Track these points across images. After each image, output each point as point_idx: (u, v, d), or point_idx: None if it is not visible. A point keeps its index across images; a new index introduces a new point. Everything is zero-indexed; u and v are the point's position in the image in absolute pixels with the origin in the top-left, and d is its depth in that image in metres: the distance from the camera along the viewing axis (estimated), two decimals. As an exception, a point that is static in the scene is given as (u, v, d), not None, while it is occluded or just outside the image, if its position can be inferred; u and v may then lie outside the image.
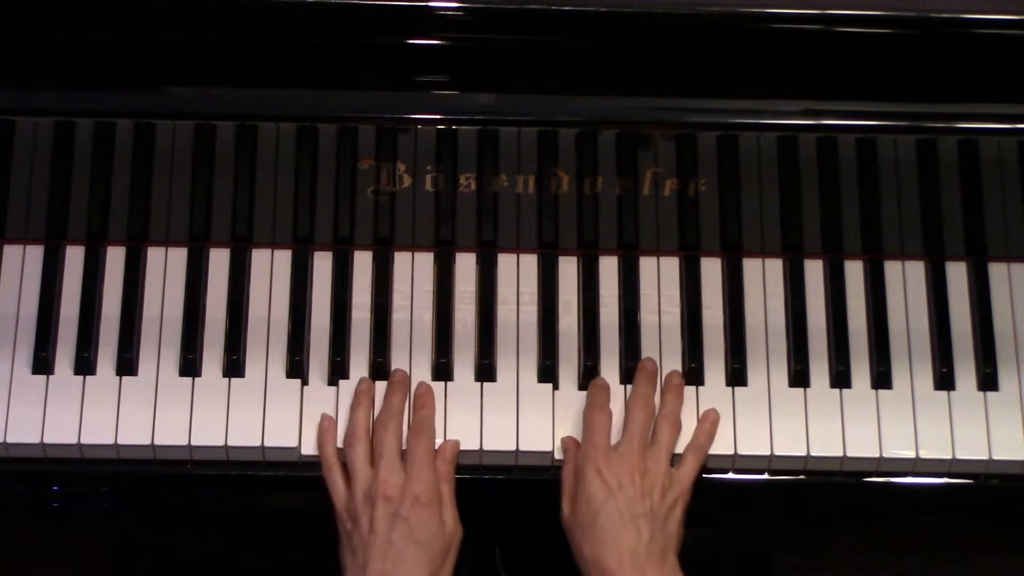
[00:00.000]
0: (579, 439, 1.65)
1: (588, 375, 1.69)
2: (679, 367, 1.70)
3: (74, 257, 1.72)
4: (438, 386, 1.68)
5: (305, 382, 1.68)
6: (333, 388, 1.68)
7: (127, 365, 1.68)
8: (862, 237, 1.72)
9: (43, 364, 1.68)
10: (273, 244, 1.73)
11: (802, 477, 1.68)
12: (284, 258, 1.73)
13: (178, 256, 1.72)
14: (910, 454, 1.67)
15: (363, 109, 1.60)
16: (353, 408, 1.66)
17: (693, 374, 1.69)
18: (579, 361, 1.70)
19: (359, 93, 1.59)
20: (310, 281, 1.72)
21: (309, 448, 1.66)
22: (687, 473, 1.63)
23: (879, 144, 1.66)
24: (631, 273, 1.73)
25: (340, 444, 1.65)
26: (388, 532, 1.57)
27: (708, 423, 1.66)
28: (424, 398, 1.66)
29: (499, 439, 1.67)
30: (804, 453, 1.67)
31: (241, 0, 1.56)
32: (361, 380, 1.67)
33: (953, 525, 1.74)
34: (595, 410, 1.65)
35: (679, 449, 1.66)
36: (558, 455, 1.66)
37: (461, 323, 1.71)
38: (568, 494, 1.62)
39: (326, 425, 1.65)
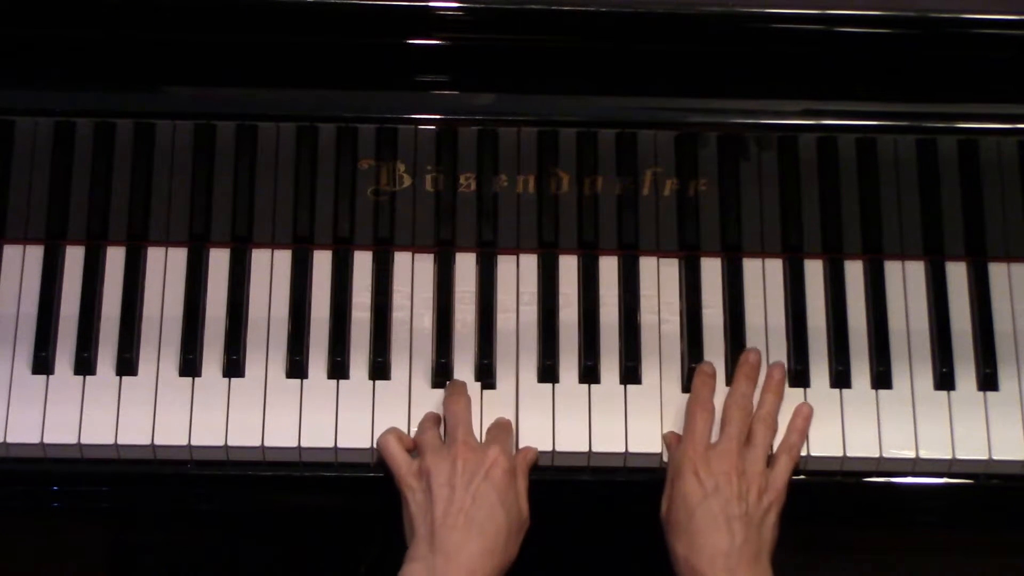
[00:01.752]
0: (678, 440, 1.64)
1: (588, 375, 1.69)
2: (678, 368, 1.70)
3: (74, 257, 1.72)
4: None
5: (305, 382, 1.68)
6: (334, 388, 1.68)
7: (127, 365, 1.68)
8: (862, 237, 1.72)
9: (43, 364, 1.68)
10: (273, 244, 1.73)
11: (802, 477, 1.68)
12: (284, 258, 1.73)
13: (178, 256, 1.72)
14: (910, 454, 1.67)
15: (363, 109, 1.60)
16: (447, 400, 1.64)
17: (692, 375, 1.69)
18: (579, 361, 1.70)
19: (359, 93, 1.59)
20: (310, 281, 1.72)
21: (308, 442, 1.65)
22: (781, 475, 1.62)
23: (879, 144, 1.66)
24: (631, 273, 1.73)
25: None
26: (467, 485, 1.54)
27: (801, 419, 1.65)
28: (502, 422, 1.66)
29: (499, 439, 1.67)
30: (805, 453, 1.67)
31: (241, 0, 1.56)
32: (427, 416, 1.66)
33: (953, 525, 1.74)
34: (696, 406, 1.63)
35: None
36: (558, 456, 1.66)
37: (461, 323, 1.71)
38: (667, 491, 1.61)
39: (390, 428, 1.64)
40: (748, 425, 1.63)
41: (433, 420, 1.65)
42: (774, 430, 1.64)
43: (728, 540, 1.54)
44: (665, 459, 1.65)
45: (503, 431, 1.64)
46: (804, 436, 1.65)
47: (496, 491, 1.55)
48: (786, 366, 1.70)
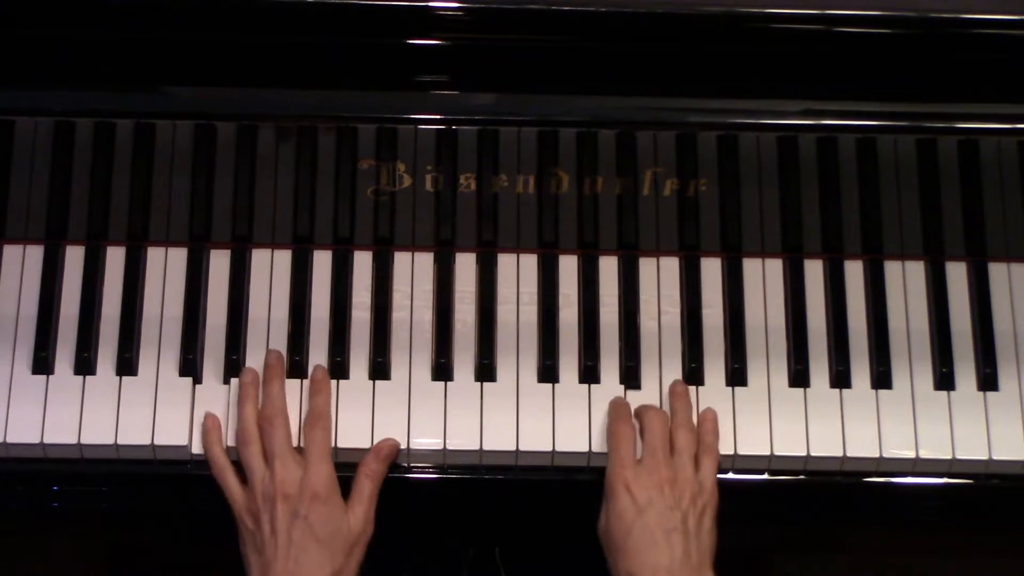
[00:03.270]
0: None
1: (588, 375, 1.69)
2: (679, 367, 1.70)
3: (74, 257, 1.72)
4: (437, 386, 1.68)
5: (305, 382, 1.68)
6: (333, 388, 1.68)
7: (127, 365, 1.68)
8: (862, 237, 1.72)
9: (43, 364, 1.68)
10: (273, 244, 1.73)
11: (802, 477, 1.68)
12: (284, 258, 1.73)
13: (178, 256, 1.72)
14: (910, 454, 1.67)
15: (363, 109, 1.60)
16: (240, 404, 1.65)
17: (693, 374, 1.69)
18: (579, 361, 1.70)
19: (359, 93, 1.59)
20: (310, 281, 1.72)
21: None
22: (708, 476, 1.62)
23: (879, 144, 1.66)
24: (631, 273, 1.73)
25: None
26: (288, 531, 1.56)
27: (709, 422, 1.66)
28: (320, 384, 1.65)
29: (499, 439, 1.67)
30: (804, 453, 1.67)
31: (241, 0, 1.56)
32: (245, 371, 1.66)
33: (953, 525, 1.75)
34: (618, 423, 1.64)
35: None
36: (558, 456, 1.66)
37: (461, 323, 1.71)
38: (605, 507, 1.61)
39: (210, 424, 1.64)
40: (668, 432, 1.63)
41: (254, 433, 1.62)
42: (694, 432, 1.65)
43: (668, 555, 1.54)
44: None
45: (317, 438, 1.62)
46: (718, 435, 1.66)
47: (315, 527, 1.57)
48: (791, 367, 1.70)
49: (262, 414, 1.64)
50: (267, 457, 1.61)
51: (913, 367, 1.71)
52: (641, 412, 1.65)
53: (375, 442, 1.64)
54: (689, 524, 1.57)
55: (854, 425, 1.68)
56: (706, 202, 1.70)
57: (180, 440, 1.65)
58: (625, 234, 1.72)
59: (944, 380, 1.70)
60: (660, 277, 1.73)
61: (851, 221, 1.71)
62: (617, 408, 1.66)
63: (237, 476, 1.63)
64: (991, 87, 1.59)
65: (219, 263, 1.72)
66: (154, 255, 1.72)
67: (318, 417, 1.63)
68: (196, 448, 1.65)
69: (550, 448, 1.66)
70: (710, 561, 1.57)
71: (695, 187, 1.69)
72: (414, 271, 1.73)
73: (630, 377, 1.69)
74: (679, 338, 1.71)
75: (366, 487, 1.62)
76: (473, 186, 1.68)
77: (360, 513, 1.60)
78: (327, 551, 1.56)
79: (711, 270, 1.74)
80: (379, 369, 1.69)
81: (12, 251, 1.72)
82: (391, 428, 1.66)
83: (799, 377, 1.70)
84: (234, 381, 1.67)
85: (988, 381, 1.70)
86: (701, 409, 1.68)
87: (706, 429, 1.66)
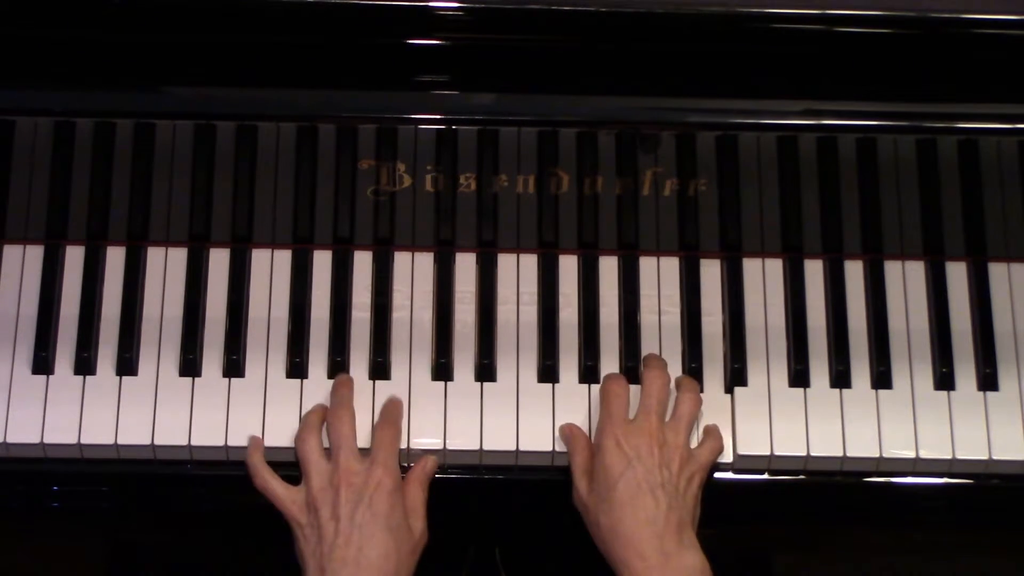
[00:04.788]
0: (579, 427, 1.65)
1: (588, 375, 1.69)
2: (679, 367, 1.70)
3: (74, 257, 1.72)
4: (438, 386, 1.68)
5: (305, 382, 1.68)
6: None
7: (127, 365, 1.68)
8: (862, 237, 1.72)
9: (43, 364, 1.68)
10: (273, 244, 1.73)
11: (802, 477, 1.68)
12: (284, 258, 1.73)
13: (178, 256, 1.72)
14: (910, 454, 1.67)
15: (363, 109, 1.60)
16: (307, 414, 1.65)
17: (693, 374, 1.69)
18: (579, 361, 1.70)
19: (359, 93, 1.59)
20: (310, 281, 1.72)
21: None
22: (705, 453, 1.63)
23: (879, 144, 1.66)
24: (631, 273, 1.73)
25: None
26: (352, 516, 1.54)
27: (717, 430, 1.67)
28: (393, 402, 1.66)
29: (499, 439, 1.67)
30: (804, 453, 1.67)
31: (241, 0, 1.56)
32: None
33: (953, 525, 1.74)
34: (610, 383, 1.64)
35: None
36: (558, 454, 1.66)
37: (461, 323, 1.71)
38: (581, 472, 1.61)
39: (256, 443, 1.64)
40: (667, 397, 1.64)
41: (316, 425, 1.62)
42: (698, 405, 1.65)
43: (653, 506, 1.54)
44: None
45: (390, 437, 1.62)
46: (721, 442, 1.66)
47: (382, 517, 1.55)
48: (791, 367, 1.70)
49: (332, 411, 1.63)
50: (332, 450, 1.60)
51: (913, 367, 1.71)
52: (644, 373, 1.65)
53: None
54: (677, 485, 1.57)
55: (854, 425, 1.68)
56: (706, 202, 1.70)
57: (180, 440, 1.65)
58: (625, 234, 1.72)
59: (944, 380, 1.70)
60: (660, 277, 1.73)
61: (851, 221, 1.71)
62: (610, 375, 1.66)
63: (276, 478, 1.61)
64: (991, 87, 1.59)
65: (219, 263, 1.72)
66: (154, 255, 1.72)
67: (391, 421, 1.63)
68: (196, 441, 1.65)
69: (550, 448, 1.66)
70: (693, 526, 1.57)
71: (695, 187, 1.68)
72: (414, 271, 1.73)
73: (630, 377, 1.69)
74: (679, 338, 1.71)
75: (419, 496, 1.61)
76: (473, 186, 1.68)
77: (418, 520, 1.59)
78: (392, 541, 1.54)
79: (711, 270, 1.74)
80: (379, 369, 1.69)
81: (12, 251, 1.72)
82: (391, 428, 1.66)
83: (799, 377, 1.70)
84: (234, 381, 1.67)
85: (988, 381, 1.70)
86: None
87: (710, 432, 1.66)
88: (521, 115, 1.61)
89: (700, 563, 1.54)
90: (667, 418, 1.64)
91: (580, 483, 1.61)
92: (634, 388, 1.67)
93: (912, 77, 1.59)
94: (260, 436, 1.65)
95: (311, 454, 1.60)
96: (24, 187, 1.68)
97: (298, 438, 1.63)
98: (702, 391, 1.68)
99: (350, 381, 1.66)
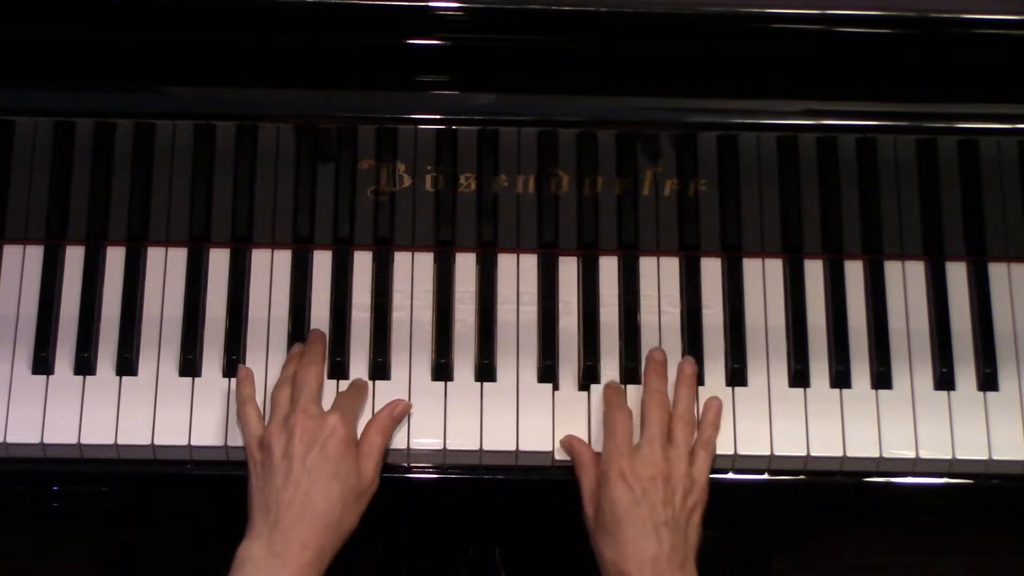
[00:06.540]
0: (585, 440, 1.65)
1: (588, 375, 1.69)
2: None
3: (74, 257, 1.72)
4: (438, 386, 1.68)
5: (305, 382, 1.69)
6: (334, 388, 1.68)
7: (127, 365, 1.68)
8: (862, 237, 1.73)
9: (43, 364, 1.68)
10: (273, 244, 1.73)
11: (802, 477, 1.68)
12: (284, 258, 1.73)
13: (178, 256, 1.72)
14: (910, 454, 1.67)
15: (363, 109, 1.60)
16: (285, 364, 1.67)
17: (693, 374, 1.70)
18: (579, 361, 1.70)
19: (359, 93, 1.59)
20: (310, 281, 1.72)
21: None
22: (701, 471, 1.63)
23: (879, 144, 1.66)
24: (631, 273, 1.73)
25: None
26: (303, 457, 1.55)
27: (712, 413, 1.66)
28: (362, 380, 1.68)
29: (499, 439, 1.67)
30: (804, 453, 1.67)
31: (241, 0, 1.56)
32: (295, 344, 1.68)
33: (953, 525, 1.74)
34: (615, 411, 1.64)
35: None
36: (558, 455, 1.66)
37: (461, 323, 1.71)
38: (589, 495, 1.61)
39: (244, 373, 1.65)
40: (668, 422, 1.64)
41: (289, 377, 1.65)
42: (693, 426, 1.65)
43: (656, 546, 1.55)
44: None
45: (353, 396, 1.64)
46: (717, 428, 1.66)
47: (331, 462, 1.56)
48: (791, 367, 1.70)
49: (302, 362, 1.64)
50: (293, 394, 1.62)
51: (913, 367, 1.71)
52: (644, 398, 1.65)
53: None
54: (679, 520, 1.58)
55: (854, 425, 1.68)
56: (706, 202, 1.70)
57: (180, 440, 1.65)
58: (625, 234, 1.72)
59: (944, 380, 1.70)
60: (660, 277, 1.73)
61: (851, 221, 1.71)
62: (612, 394, 1.66)
63: (259, 414, 1.63)
64: (991, 87, 1.59)
65: (219, 263, 1.72)
66: (154, 255, 1.72)
67: (359, 389, 1.66)
68: (196, 441, 1.65)
69: (550, 448, 1.67)
70: (694, 557, 1.58)
71: (695, 187, 1.69)
72: (414, 271, 1.73)
73: (630, 377, 1.69)
74: (679, 338, 1.71)
75: (376, 441, 1.61)
76: (473, 186, 1.68)
77: (371, 465, 1.60)
78: (339, 488, 1.55)
79: (711, 270, 1.74)
80: (379, 369, 1.69)
81: (12, 251, 1.72)
82: (391, 428, 1.66)
83: (799, 377, 1.70)
84: (235, 381, 1.67)
85: (988, 381, 1.70)
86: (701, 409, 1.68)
87: (707, 421, 1.66)
88: (521, 115, 1.61)
89: None
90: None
91: (588, 507, 1.62)
92: (634, 388, 1.68)
93: (912, 77, 1.59)
94: (249, 371, 1.66)
95: (280, 397, 1.62)
96: (24, 187, 1.68)
97: (274, 388, 1.64)
98: (702, 384, 1.69)
99: (323, 336, 1.68)
